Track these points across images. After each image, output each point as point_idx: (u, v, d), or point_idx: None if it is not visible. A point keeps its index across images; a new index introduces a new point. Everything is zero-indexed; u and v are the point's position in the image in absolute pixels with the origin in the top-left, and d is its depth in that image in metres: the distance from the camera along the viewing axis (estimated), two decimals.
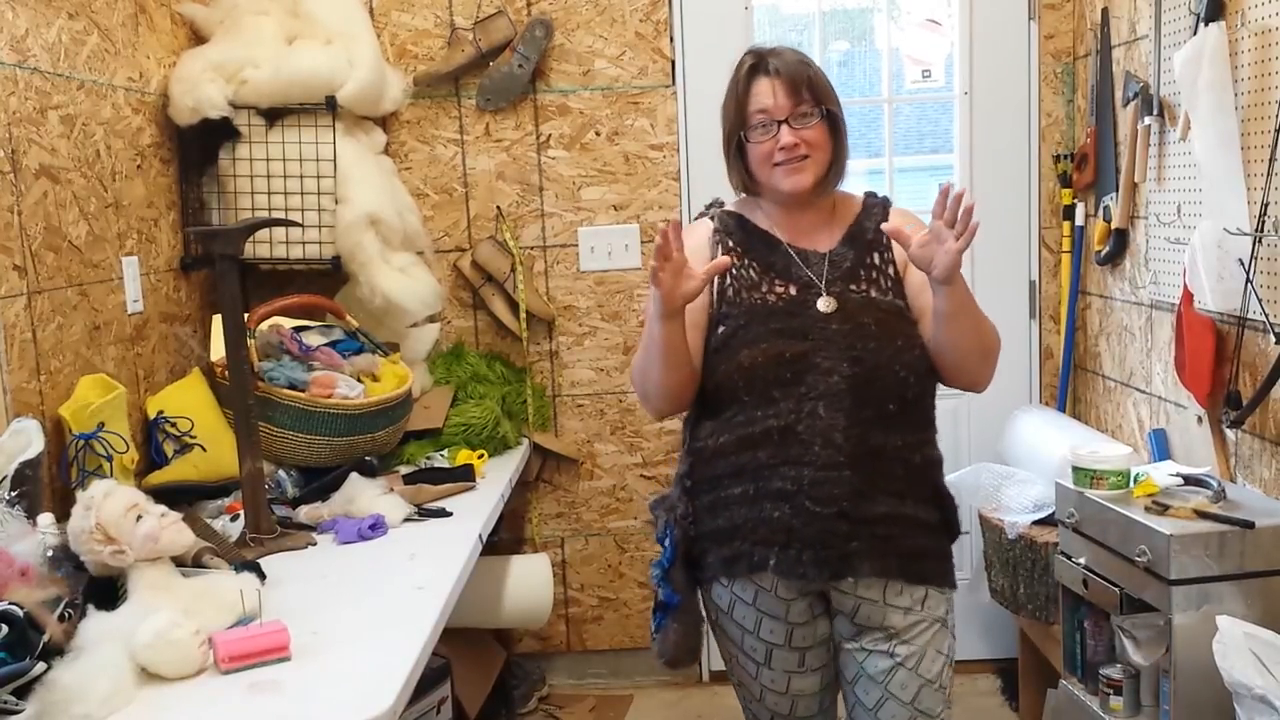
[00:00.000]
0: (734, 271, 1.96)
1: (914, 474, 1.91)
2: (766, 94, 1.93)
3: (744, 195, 2.06)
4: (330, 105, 2.99)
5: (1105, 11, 3.09)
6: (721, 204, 2.09)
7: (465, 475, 2.73)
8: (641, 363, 1.97)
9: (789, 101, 1.92)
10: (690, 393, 1.97)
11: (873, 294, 1.94)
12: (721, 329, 1.94)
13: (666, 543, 1.99)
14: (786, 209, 2.00)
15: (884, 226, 1.92)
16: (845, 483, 1.84)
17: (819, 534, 1.84)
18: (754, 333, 1.90)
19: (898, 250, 1.93)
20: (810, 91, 1.93)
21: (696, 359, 1.95)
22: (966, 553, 3.55)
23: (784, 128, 1.92)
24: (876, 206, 2.05)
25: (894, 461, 1.88)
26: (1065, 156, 3.35)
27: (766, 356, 1.87)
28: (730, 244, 2.00)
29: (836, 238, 2.00)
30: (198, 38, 3.08)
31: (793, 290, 1.94)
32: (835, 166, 1.98)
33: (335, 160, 2.99)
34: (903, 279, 1.97)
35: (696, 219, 2.11)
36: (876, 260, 1.98)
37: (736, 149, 1.98)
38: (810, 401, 1.85)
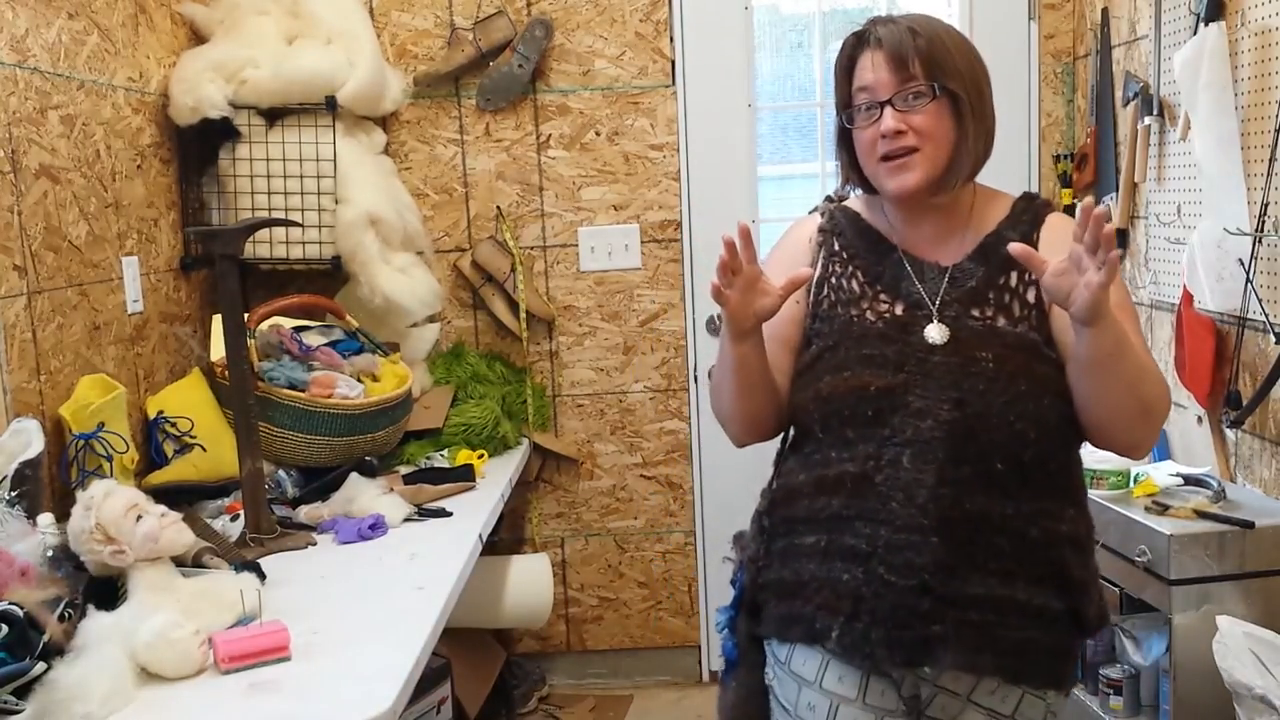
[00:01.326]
0: (834, 281, 1.66)
1: (1028, 550, 1.52)
2: (867, 68, 1.60)
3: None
4: (330, 105, 2.99)
5: (1105, 11, 3.10)
6: (842, 199, 1.77)
7: (465, 475, 2.73)
8: (717, 382, 1.69)
9: (892, 77, 1.57)
10: (774, 421, 1.68)
11: (1000, 323, 1.58)
12: (810, 349, 1.64)
13: (736, 586, 1.73)
14: (905, 210, 1.66)
15: (1011, 249, 1.46)
16: (930, 551, 1.49)
17: (893, 609, 1.50)
18: (841, 357, 1.59)
19: None
20: (922, 65, 1.57)
21: (784, 380, 1.66)
22: None
23: (887, 110, 1.58)
24: (1028, 212, 1.67)
25: (999, 533, 1.51)
26: (1065, 156, 3.35)
27: (847, 388, 1.56)
28: (836, 247, 1.69)
29: (967, 248, 1.63)
30: (198, 37, 3.08)
31: (898, 309, 1.61)
32: (957, 160, 1.60)
33: (335, 160, 2.99)
34: (1048, 308, 1.57)
35: (810, 213, 1.79)
36: (1013, 281, 1.60)
37: (841, 138, 1.68)
38: (893, 448, 1.52)
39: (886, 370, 1.55)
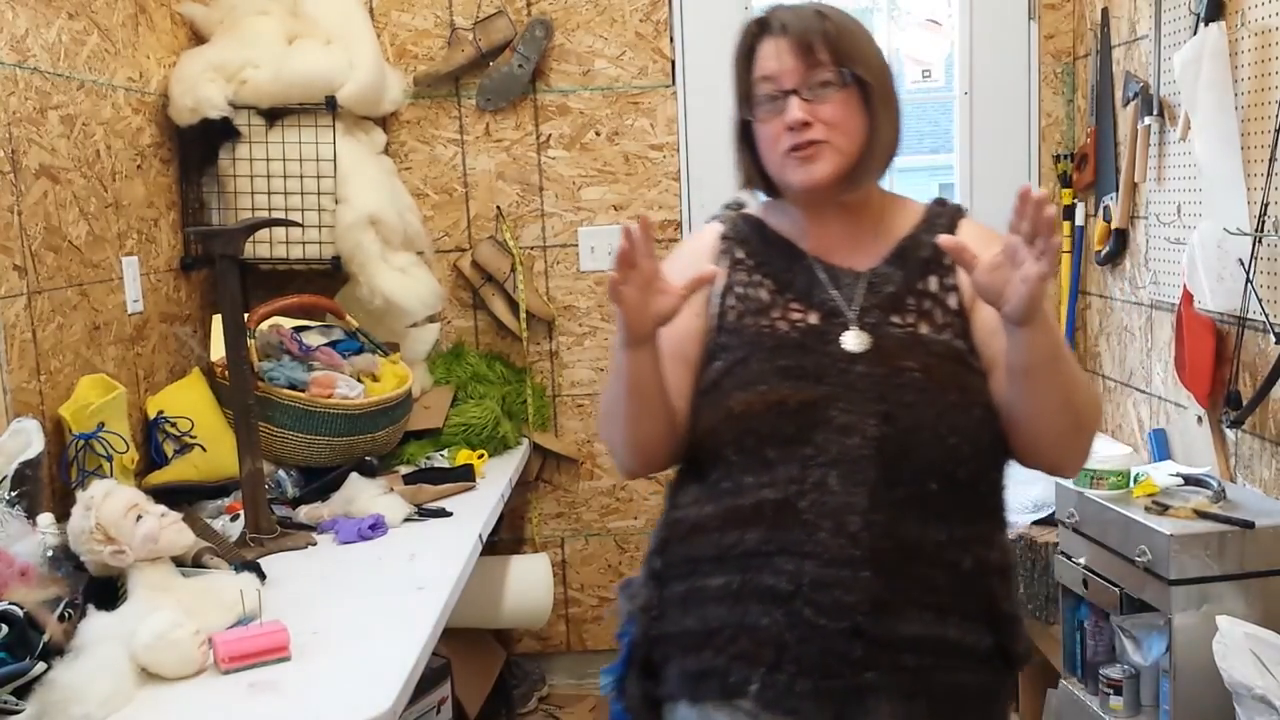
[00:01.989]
0: (739, 290, 1.52)
1: (961, 583, 1.40)
2: (770, 56, 1.48)
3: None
4: (330, 105, 2.99)
5: (1105, 11, 3.10)
6: (742, 205, 1.64)
7: (465, 475, 2.73)
8: (607, 404, 1.51)
9: (798, 64, 1.45)
10: (669, 447, 1.50)
11: (922, 330, 1.46)
12: (716, 364, 1.48)
13: (625, 641, 1.52)
14: (813, 213, 1.53)
15: (940, 239, 1.36)
16: (862, 587, 1.34)
17: (821, 656, 1.34)
18: (753, 370, 1.44)
19: (965, 277, 1.41)
20: (830, 51, 1.45)
21: (682, 403, 1.48)
22: None
23: (792, 100, 1.45)
24: (943, 216, 1.56)
25: (933, 565, 1.38)
26: (1065, 156, 3.34)
27: (764, 403, 1.40)
28: (740, 254, 1.55)
29: (882, 253, 1.52)
30: (198, 38, 3.08)
31: (812, 318, 1.47)
32: (870, 153, 1.48)
33: (335, 160, 2.99)
34: (969, 314, 1.47)
35: (707, 222, 1.67)
36: (933, 286, 1.49)
37: (743, 133, 1.54)
38: (819, 469, 1.37)
39: (805, 382, 1.41)
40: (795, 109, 1.44)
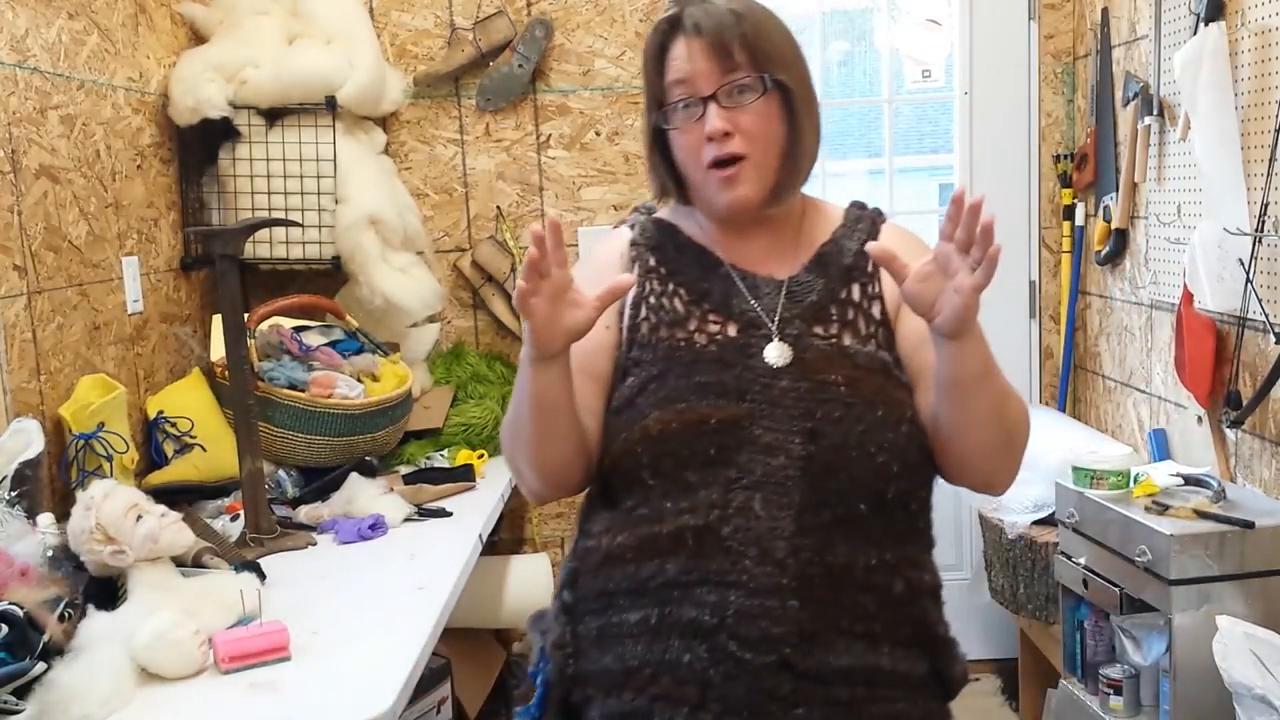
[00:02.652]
0: (652, 301, 1.41)
1: (893, 609, 1.32)
2: (684, 59, 1.37)
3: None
4: (330, 105, 2.99)
5: (1105, 11, 3.10)
6: (650, 210, 1.54)
7: (465, 475, 2.73)
8: (511, 425, 1.39)
9: (714, 68, 1.36)
10: (580, 470, 1.39)
11: (846, 341, 1.38)
12: (630, 381, 1.37)
13: (539, 680, 1.41)
14: (731, 223, 1.45)
15: (869, 247, 1.28)
16: (789, 617, 1.25)
17: (748, 693, 1.25)
18: (670, 387, 1.33)
19: (889, 283, 1.38)
20: (748, 53, 1.36)
21: (592, 424, 1.38)
22: (966, 552, 3.55)
23: (711, 108, 1.36)
24: (863, 220, 1.48)
25: (864, 590, 1.30)
26: (1065, 156, 3.35)
27: (683, 422, 1.30)
28: (652, 262, 1.44)
29: (802, 260, 1.44)
30: (198, 38, 3.09)
31: (731, 330, 1.38)
32: (793, 163, 1.40)
33: (335, 160, 2.99)
34: (894, 323, 1.41)
35: (615, 227, 1.56)
36: (855, 294, 1.41)
37: (657, 141, 1.44)
38: (742, 491, 1.28)
39: (727, 399, 1.31)
40: (715, 119, 1.35)
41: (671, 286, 1.42)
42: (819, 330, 1.38)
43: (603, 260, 1.49)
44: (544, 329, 1.27)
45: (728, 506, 1.28)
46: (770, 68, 1.37)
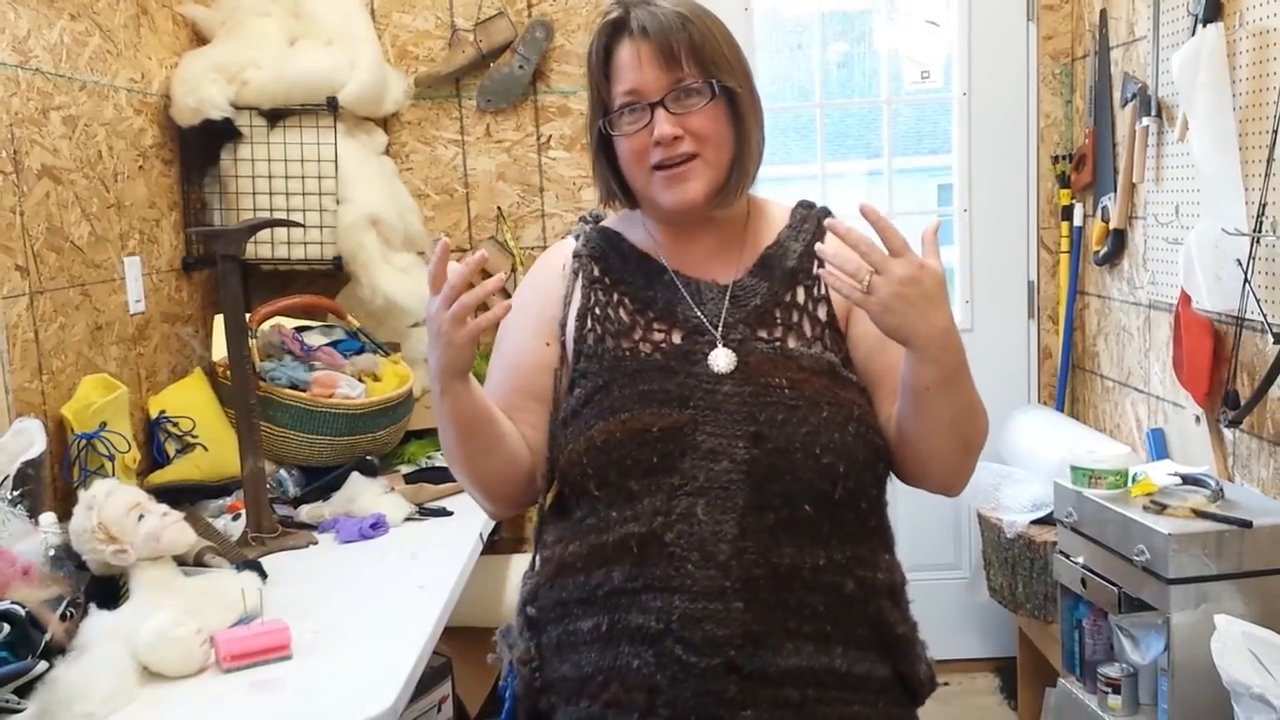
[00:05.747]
0: (598, 311, 1.42)
1: (844, 608, 1.31)
2: (631, 64, 1.37)
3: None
4: (332, 106, 3.00)
5: (1104, 13, 3.10)
6: (598, 218, 1.55)
7: None
8: (445, 450, 1.44)
9: (661, 73, 1.36)
10: (523, 483, 1.44)
11: (790, 344, 1.38)
12: (576, 392, 1.39)
13: (508, 694, 1.45)
14: (673, 224, 1.45)
15: (818, 248, 1.29)
16: (734, 620, 1.25)
17: (695, 697, 1.25)
18: (615, 398, 1.35)
19: None
20: (694, 59, 1.36)
21: (534, 437, 1.42)
22: (965, 551, 3.56)
23: (659, 113, 1.36)
24: (808, 220, 1.48)
25: (812, 590, 1.29)
26: (1064, 157, 3.35)
27: (626, 432, 1.31)
28: (596, 272, 1.45)
29: (746, 263, 1.44)
30: (199, 39, 3.09)
31: (676, 337, 1.39)
32: (741, 165, 1.40)
33: (336, 161, 3.00)
34: (843, 325, 1.41)
35: (562, 238, 1.57)
36: (800, 297, 1.41)
37: (600, 145, 1.43)
38: (685, 498, 1.29)
39: (670, 407, 1.32)
40: (664, 123, 1.35)
41: (616, 296, 1.43)
42: (763, 334, 1.39)
43: (545, 274, 1.51)
44: (465, 347, 1.31)
45: (671, 513, 1.29)
46: (717, 73, 1.38)
